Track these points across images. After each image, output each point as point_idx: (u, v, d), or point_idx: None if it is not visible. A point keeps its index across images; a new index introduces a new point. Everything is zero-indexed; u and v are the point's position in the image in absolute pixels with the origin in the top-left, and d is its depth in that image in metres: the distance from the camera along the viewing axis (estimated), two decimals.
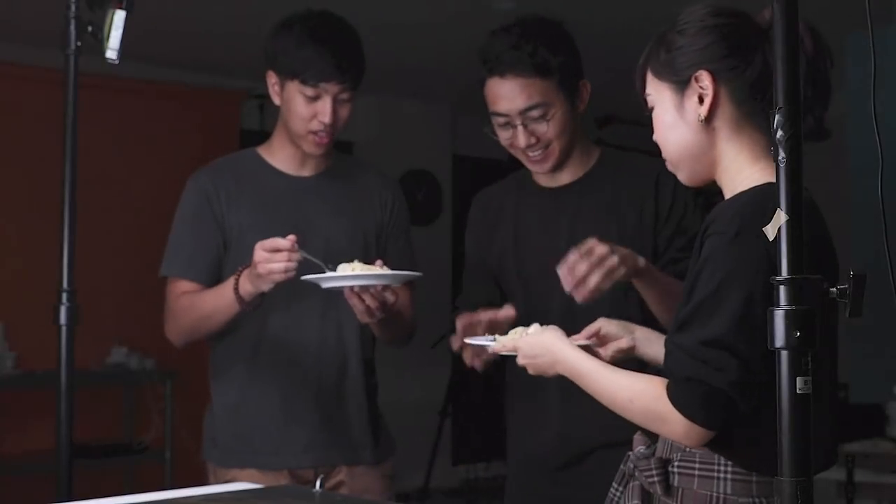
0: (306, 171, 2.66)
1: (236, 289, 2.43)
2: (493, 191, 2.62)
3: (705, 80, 1.72)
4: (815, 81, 1.70)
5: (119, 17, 2.30)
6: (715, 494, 1.68)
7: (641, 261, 2.13)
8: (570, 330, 1.99)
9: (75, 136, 2.31)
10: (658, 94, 1.78)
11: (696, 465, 1.70)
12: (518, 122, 2.33)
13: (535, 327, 1.99)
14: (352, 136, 7.16)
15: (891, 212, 1.55)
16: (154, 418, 5.71)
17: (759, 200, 1.61)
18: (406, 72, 6.71)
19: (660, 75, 1.78)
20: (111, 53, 2.31)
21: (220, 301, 2.49)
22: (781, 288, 1.32)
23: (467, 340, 2.17)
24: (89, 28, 2.31)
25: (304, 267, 2.35)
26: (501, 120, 2.36)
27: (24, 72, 5.53)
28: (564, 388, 2.24)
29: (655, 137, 1.82)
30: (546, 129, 2.34)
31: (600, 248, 2.05)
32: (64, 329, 2.27)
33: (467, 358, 2.27)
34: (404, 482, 6.27)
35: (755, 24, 1.74)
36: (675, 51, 1.75)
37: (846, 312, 1.36)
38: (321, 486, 2.03)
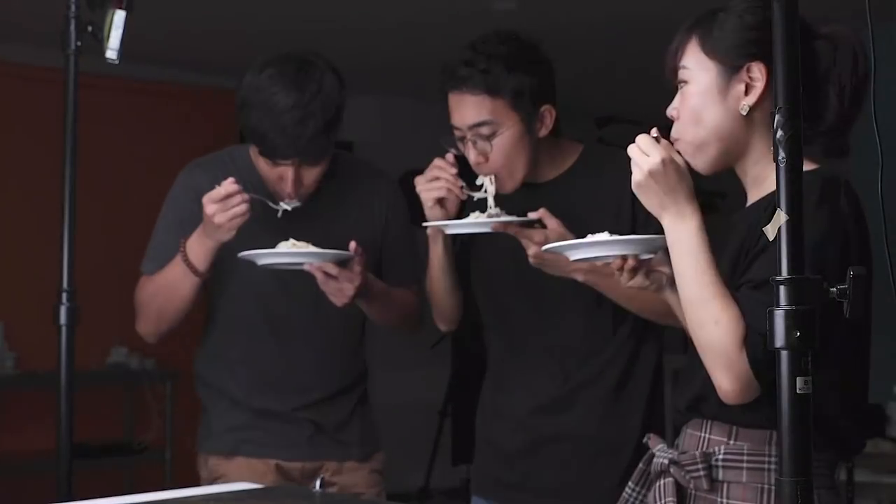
0: None
1: (186, 260, 2.41)
2: None
3: (758, 72, 1.69)
4: (854, 99, 1.69)
5: (119, 17, 2.30)
6: (767, 486, 1.65)
7: (579, 275, 2.19)
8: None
9: (75, 136, 2.31)
10: (699, 68, 1.73)
11: (745, 457, 1.67)
12: (468, 137, 2.33)
13: None
14: (352, 136, 7.14)
15: (891, 212, 1.55)
16: (154, 418, 5.71)
17: (826, 177, 1.62)
18: (406, 72, 6.70)
19: (710, 53, 1.73)
20: (111, 53, 2.31)
21: (175, 273, 2.45)
22: (781, 288, 1.32)
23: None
24: (89, 28, 2.31)
25: (243, 246, 2.34)
26: (458, 133, 2.36)
27: (24, 72, 5.53)
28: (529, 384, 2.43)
29: (680, 112, 1.75)
30: (491, 150, 2.31)
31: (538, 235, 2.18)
32: (64, 329, 2.28)
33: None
34: (404, 482, 6.26)
35: (804, 21, 1.70)
36: (729, 33, 1.72)
37: (846, 312, 1.36)
38: (321, 485, 2.03)
